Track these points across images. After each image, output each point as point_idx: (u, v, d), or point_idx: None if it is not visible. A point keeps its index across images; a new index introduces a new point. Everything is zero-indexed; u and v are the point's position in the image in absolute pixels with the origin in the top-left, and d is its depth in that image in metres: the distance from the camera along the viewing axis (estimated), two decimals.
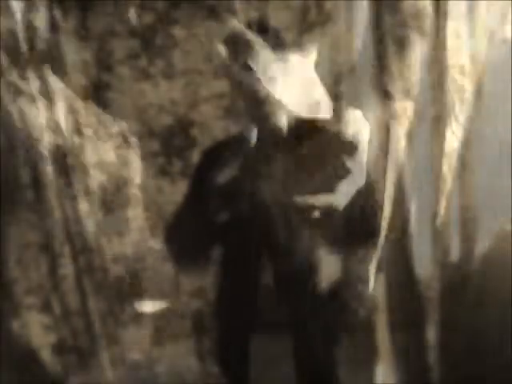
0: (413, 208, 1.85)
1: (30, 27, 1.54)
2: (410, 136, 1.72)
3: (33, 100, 1.66)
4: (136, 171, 1.79)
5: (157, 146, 1.69)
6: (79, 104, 1.69)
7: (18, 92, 1.63)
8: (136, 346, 1.71)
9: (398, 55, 1.50)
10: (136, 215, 1.82)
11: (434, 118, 1.69)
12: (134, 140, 1.75)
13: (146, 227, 1.73)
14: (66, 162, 1.78)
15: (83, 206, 1.83)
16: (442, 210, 1.80)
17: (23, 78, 1.61)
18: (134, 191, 1.84)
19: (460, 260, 1.71)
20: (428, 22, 1.29)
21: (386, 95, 1.50)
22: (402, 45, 1.52)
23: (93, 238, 1.78)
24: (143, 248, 1.72)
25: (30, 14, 1.53)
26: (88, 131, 1.74)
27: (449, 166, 1.77)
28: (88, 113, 1.71)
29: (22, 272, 1.67)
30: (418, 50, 1.55)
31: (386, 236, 1.79)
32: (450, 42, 1.56)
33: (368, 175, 0.97)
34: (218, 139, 1.41)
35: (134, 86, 1.63)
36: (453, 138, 1.73)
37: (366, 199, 0.99)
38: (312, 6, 1.30)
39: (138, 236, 1.76)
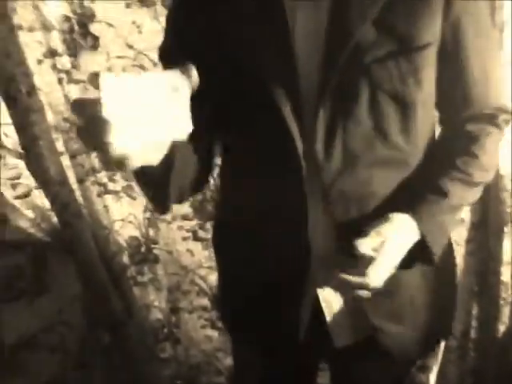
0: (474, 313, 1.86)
1: None
2: (469, 243, 1.76)
3: (118, 197, 1.84)
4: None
5: None
6: None
7: (105, 190, 1.82)
8: None
9: None
10: None
11: (493, 226, 1.72)
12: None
13: None
14: (140, 251, 1.94)
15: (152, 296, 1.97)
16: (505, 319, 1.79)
17: (111, 179, 1.80)
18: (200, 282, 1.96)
19: None
20: None
21: None
22: None
23: None
24: None
25: None
26: (163, 224, 1.90)
27: (511, 274, 1.78)
28: None
29: None
30: None
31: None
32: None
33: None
34: None
35: None
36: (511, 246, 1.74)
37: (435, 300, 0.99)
38: None
39: None
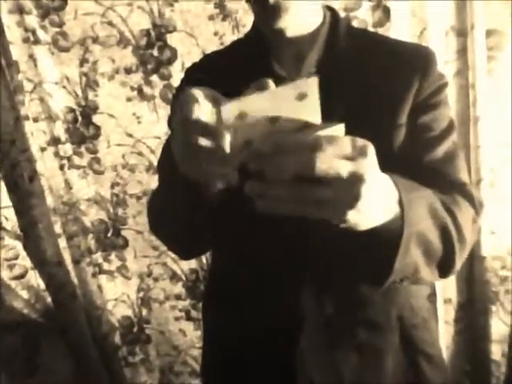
0: None
1: (116, 218, 1.81)
2: (457, 322, 1.80)
3: (112, 277, 1.87)
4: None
5: None
6: (149, 281, 1.88)
7: (100, 270, 1.85)
8: None
9: None
10: None
11: (479, 305, 1.76)
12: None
13: None
14: (132, 331, 1.94)
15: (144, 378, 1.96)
16: None
17: (106, 259, 1.84)
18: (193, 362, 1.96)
19: None
20: None
21: None
22: None
23: None
24: None
25: (118, 208, 1.80)
26: (155, 304, 1.92)
27: (502, 352, 1.79)
28: (156, 286, 1.89)
29: None
30: None
31: None
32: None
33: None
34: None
35: None
36: (500, 324, 1.77)
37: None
38: None
39: None
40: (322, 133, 0.48)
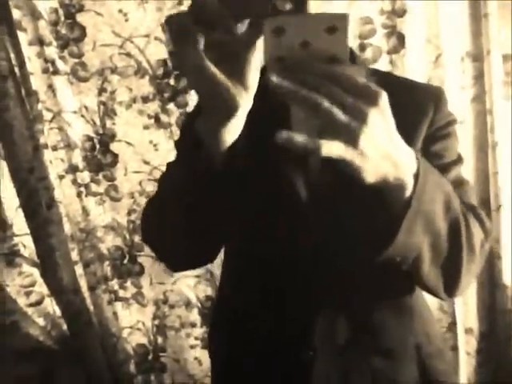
0: None
1: (133, 245, 1.81)
2: (479, 353, 1.75)
3: (127, 304, 1.87)
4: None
5: None
6: (165, 308, 1.87)
7: (115, 297, 1.85)
8: None
9: None
10: None
11: (501, 335, 1.72)
12: None
13: None
14: (147, 359, 1.92)
15: None
16: None
17: (122, 286, 1.84)
18: None
19: None
20: None
21: None
22: None
23: None
24: None
25: (134, 235, 1.80)
26: (171, 332, 1.90)
27: None
28: (171, 314, 1.88)
29: None
30: None
31: None
32: None
33: None
34: None
35: None
36: None
37: None
38: None
39: None
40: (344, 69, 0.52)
